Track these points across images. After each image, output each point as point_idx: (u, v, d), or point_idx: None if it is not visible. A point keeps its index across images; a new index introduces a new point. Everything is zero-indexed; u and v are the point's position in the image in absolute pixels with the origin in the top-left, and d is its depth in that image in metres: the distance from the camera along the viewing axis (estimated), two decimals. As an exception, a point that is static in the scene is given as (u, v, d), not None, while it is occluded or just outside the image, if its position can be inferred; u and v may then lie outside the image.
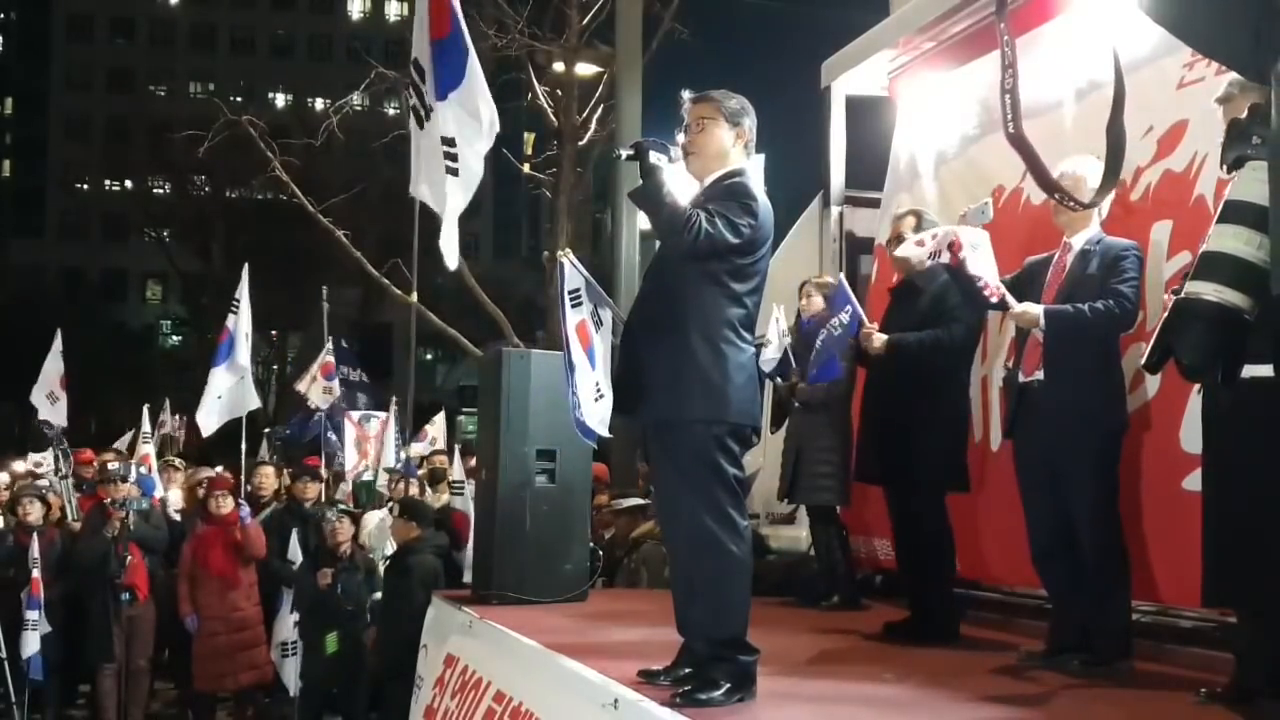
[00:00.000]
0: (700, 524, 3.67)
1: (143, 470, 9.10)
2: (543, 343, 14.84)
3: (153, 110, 43.87)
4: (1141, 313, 4.53)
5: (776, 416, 6.58)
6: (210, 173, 35.15)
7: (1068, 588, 4.46)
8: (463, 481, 7.54)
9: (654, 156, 3.74)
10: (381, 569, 7.88)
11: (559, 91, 16.07)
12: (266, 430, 11.09)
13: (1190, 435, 4.24)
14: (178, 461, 10.77)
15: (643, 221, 10.13)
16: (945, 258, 4.42)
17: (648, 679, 3.80)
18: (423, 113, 7.06)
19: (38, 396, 11.44)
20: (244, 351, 9.82)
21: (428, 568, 7.05)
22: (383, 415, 11.77)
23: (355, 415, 11.96)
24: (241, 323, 9.78)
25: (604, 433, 5.21)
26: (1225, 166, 3.48)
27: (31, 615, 7.81)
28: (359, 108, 20.91)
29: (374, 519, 8.75)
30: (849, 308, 5.50)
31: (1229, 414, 3.58)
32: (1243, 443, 3.52)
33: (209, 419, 9.85)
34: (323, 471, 10.43)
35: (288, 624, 8.22)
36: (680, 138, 3.99)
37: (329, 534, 7.65)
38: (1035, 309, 4.39)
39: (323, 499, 9.47)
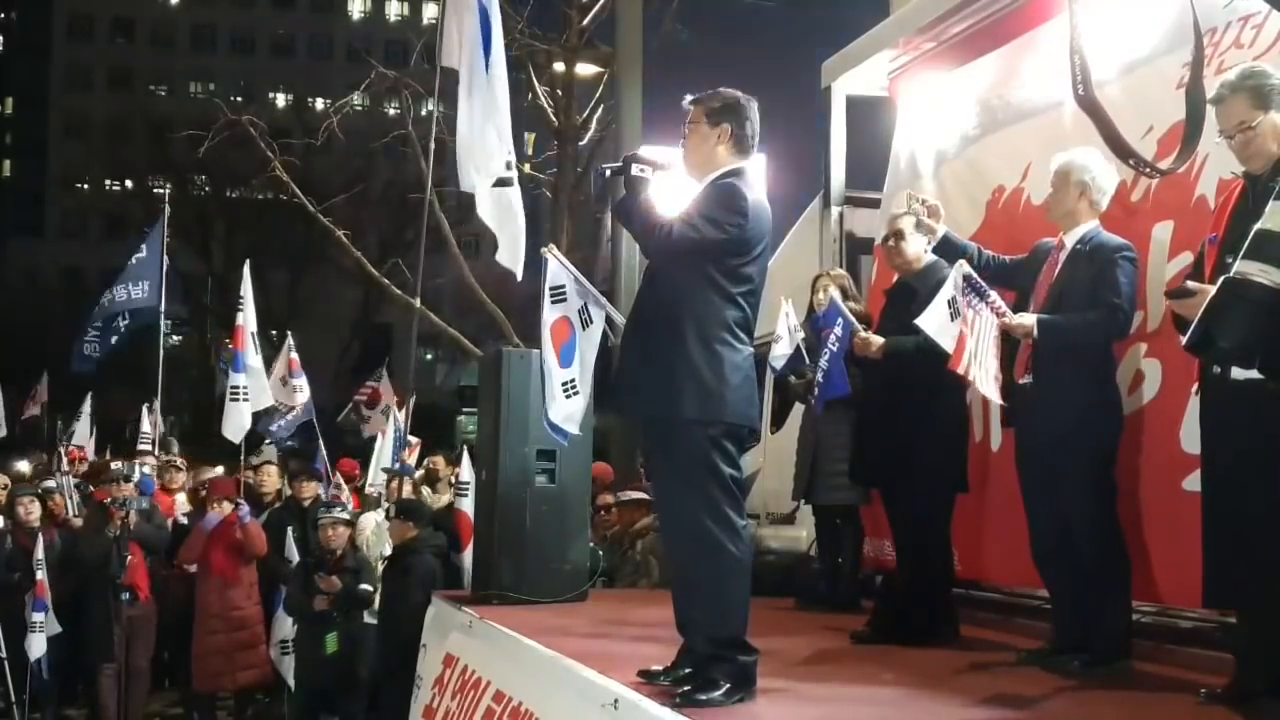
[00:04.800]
0: (698, 524, 3.67)
1: (144, 470, 9.09)
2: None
3: (153, 110, 43.81)
4: (1141, 313, 4.53)
5: (777, 417, 6.56)
6: (210, 172, 35.13)
7: (1068, 587, 4.46)
8: (469, 483, 7.54)
9: (636, 169, 3.75)
10: (380, 569, 7.86)
11: (559, 91, 16.07)
12: (268, 444, 11.04)
13: (1190, 435, 4.23)
14: (179, 461, 10.72)
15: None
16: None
17: (648, 679, 3.81)
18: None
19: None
20: (252, 350, 9.80)
21: (426, 568, 7.04)
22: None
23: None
24: (248, 321, 9.78)
25: (574, 430, 5.18)
26: None
27: (37, 617, 7.79)
28: (359, 108, 20.90)
29: (370, 521, 8.73)
30: (840, 320, 5.52)
31: (1229, 414, 3.58)
32: (1242, 443, 3.52)
33: (236, 425, 9.78)
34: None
35: (287, 622, 8.21)
36: (681, 142, 4.00)
37: (324, 538, 7.65)
38: (1029, 320, 4.38)
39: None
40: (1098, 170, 4.49)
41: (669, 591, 3.98)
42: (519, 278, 7.16)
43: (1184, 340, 3.42)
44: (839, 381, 5.57)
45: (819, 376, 5.70)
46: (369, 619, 7.59)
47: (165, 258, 9.97)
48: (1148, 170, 4.29)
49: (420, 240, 7.96)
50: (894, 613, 5.23)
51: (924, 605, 5.16)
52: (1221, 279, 3.27)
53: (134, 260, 10.18)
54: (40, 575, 7.79)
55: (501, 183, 7.01)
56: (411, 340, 8.28)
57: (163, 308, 9.85)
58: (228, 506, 8.27)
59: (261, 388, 9.80)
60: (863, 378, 5.63)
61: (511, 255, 7.04)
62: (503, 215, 7.03)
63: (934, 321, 4.28)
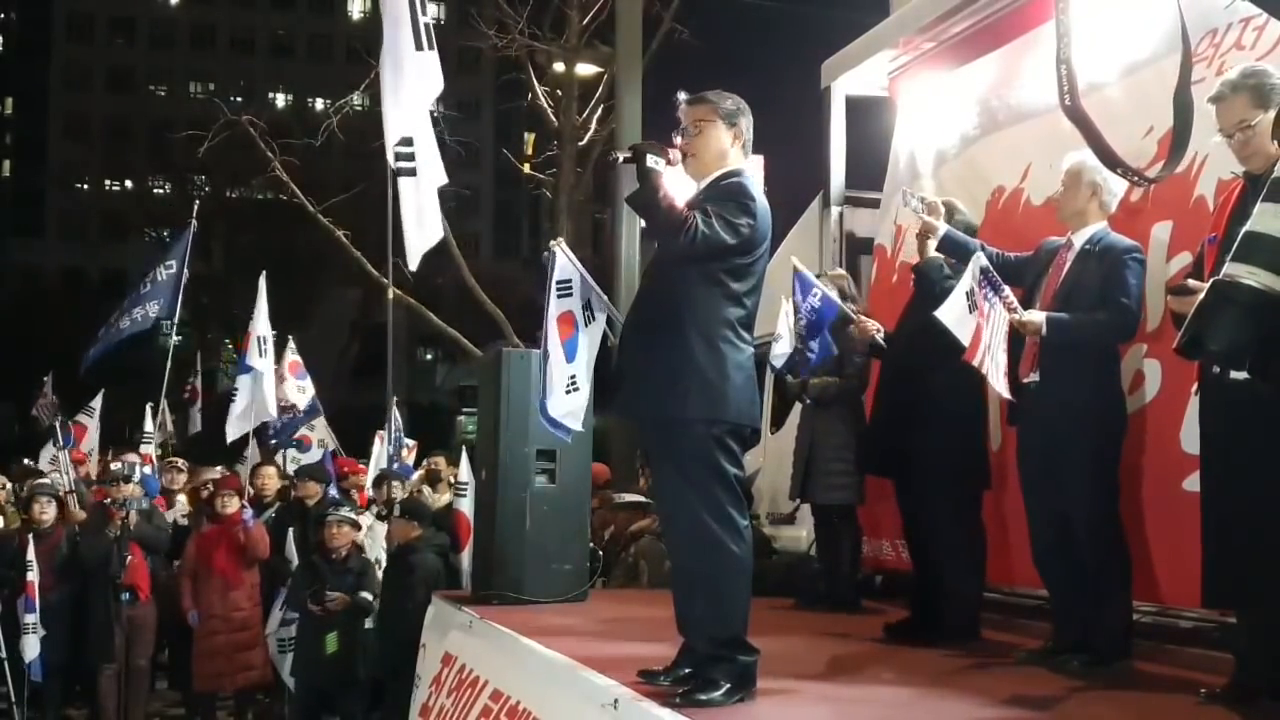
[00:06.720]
0: (700, 524, 3.67)
1: (144, 469, 9.08)
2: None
3: (153, 110, 43.87)
4: (1142, 313, 4.53)
5: (777, 417, 6.55)
6: (210, 173, 35.12)
7: (1069, 587, 4.46)
8: (468, 483, 7.54)
9: (651, 160, 3.73)
10: (380, 570, 7.85)
11: (559, 92, 16.09)
12: (273, 442, 11.07)
13: (1190, 435, 4.23)
14: (181, 462, 10.72)
15: (643, 222, 10.11)
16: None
17: (648, 679, 3.80)
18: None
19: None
20: (254, 354, 9.94)
21: (429, 567, 7.05)
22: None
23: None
24: (257, 326, 9.89)
25: (576, 427, 5.13)
26: (1277, 143, 3.37)
27: (30, 618, 7.76)
28: (359, 108, 20.89)
29: (364, 524, 8.71)
30: (815, 290, 5.54)
31: (1228, 414, 3.58)
32: (1241, 443, 3.52)
33: (233, 426, 9.92)
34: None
35: (278, 619, 8.20)
36: (678, 140, 3.99)
37: (326, 535, 7.64)
38: (1038, 318, 4.38)
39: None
40: (1109, 171, 4.49)
41: (669, 591, 3.98)
42: (408, 267, 7.36)
43: (1174, 345, 3.42)
44: (824, 345, 5.65)
45: (802, 344, 5.77)
46: (368, 624, 7.58)
47: (186, 270, 10.04)
48: (1136, 179, 4.30)
49: (388, 235, 7.91)
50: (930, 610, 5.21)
51: (937, 605, 5.15)
52: (1210, 281, 3.28)
53: (163, 275, 10.21)
54: (31, 576, 7.75)
55: (398, 171, 7.13)
56: (388, 334, 8.17)
57: (175, 315, 9.93)
58: (234, 502, 8.26)
59: (262, 393, 9.87)
60: (869, 367, 5.64)
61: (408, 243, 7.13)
62: (404, 203, 7.15)
63: (952, 313, 4.26)
